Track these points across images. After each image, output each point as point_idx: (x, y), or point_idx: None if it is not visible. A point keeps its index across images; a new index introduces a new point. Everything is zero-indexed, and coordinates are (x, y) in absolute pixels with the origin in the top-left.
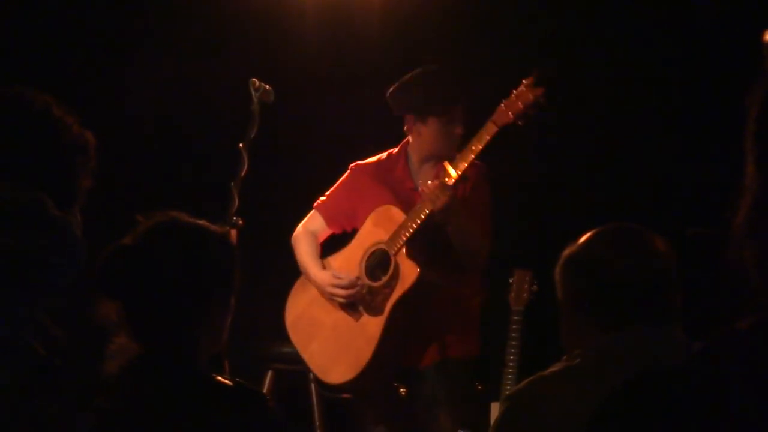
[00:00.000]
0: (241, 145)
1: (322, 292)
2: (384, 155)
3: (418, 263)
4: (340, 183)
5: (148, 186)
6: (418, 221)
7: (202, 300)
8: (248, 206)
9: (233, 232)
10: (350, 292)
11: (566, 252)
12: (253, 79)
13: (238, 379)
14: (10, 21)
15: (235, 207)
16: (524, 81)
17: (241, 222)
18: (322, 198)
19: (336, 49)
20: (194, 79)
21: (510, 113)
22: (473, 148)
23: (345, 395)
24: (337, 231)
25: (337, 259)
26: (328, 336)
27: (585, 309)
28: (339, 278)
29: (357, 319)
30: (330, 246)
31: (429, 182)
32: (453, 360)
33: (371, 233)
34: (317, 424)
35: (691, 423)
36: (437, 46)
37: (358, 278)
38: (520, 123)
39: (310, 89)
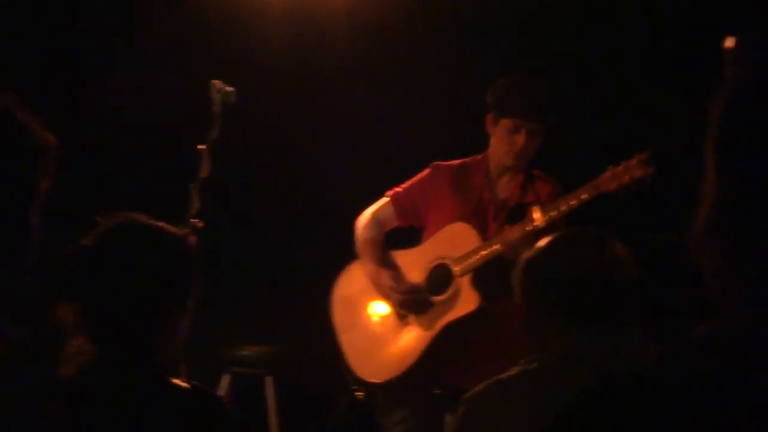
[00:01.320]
0: (201, 147)
1: (378, 289)
2: (469, 159)
3: (480, 293)
4: (417, 179)
5: (108, 187)
6: (491, 256)
7: (159, 302)
8: (208, 208)
9: (193, 235)
10: (407, 297)
11: (525, 256)
12: (215, 80)
13: (194, 382)
14: None
15: (195, 209)
16: (638, 156)
17: (200, 224)
18: (397, 189)
19: (300, 50)
20: (155, 81)
21: (614, 183)
22: (570, 203)
23: (371, 390)
24: (405, 225)
25: (402, 258)
26: (369, 329)
27: (543, 313)
28: (399, 282)
29: (404, 325)
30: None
31: (511, 228)
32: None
33: (441, 246)
34: (273, 427)
35: (649, 428)
36: (403, 46)
37: (416, 286)
38: (620, 196)
39: (272, 91)
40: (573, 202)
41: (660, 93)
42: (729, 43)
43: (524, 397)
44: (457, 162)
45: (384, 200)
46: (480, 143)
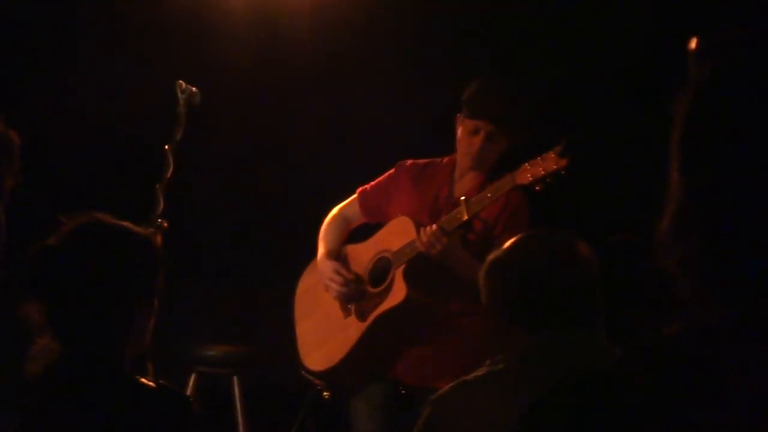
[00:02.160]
0: (166, 147)
1: (322, 279)
2: (438, 159)
3: (411, 284)
4: (384, 176)
5: (73, 187)
6: (416, 251)
7: (125, 302)
8: (173, 208)
9: (157, 234)
10: (342, 290)
11: (491, 256)
12: (180, 81)
13: (161, 381)
14: None
15: (160, 209)
16: (554, 148)
17: (165, 224)
18: (365, 186)
19: (264, 51)
20: (120, 81)
21: (529, 175)
22: (488, 195)
23: (317, 381)
24: (372, 221)
25: (352, 251)
26: (320, 320)
27: (508, 313)
28: (339, 273)
29: (345, 316)
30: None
31: (429, 228)
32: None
33: (385, 239)
34: (240, 427)
35: (614, 428)
36: (366, 48)
37: (354, 279)
38: (537, 188)
39: (237, 91)
40: (492, 196)
41: (624, 96)
42: (693, 43)
43: (491, 398)
44: (425, 160)
45: (353, 197)
46: (447, 139)
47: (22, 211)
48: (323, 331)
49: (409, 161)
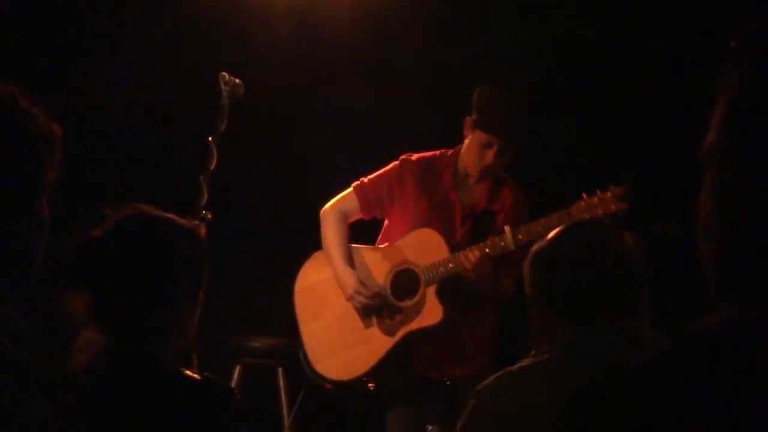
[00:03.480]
0: (210, 138)
1: (342, 289)
2: (438, 153)
3: (445, 305)
4: (384, 172)
5: (117, 179)
6: (456, 271)
7: (169, 294)
8: (217, 200)
9: (202, 226)
10: (368, 303)
11: (535, 247)
12: (223, 72)
13: (206, 373)
14: None
15: (204, 201)
16: (614, 189)
17: (209, 216)
18: (363, 180)
19: (306, 44)
20: (164, 73)
21: (587, 214)
22: (539, 229)
23: (327, 385)
24: (368, 217)
25: (368, 255)
26: (332, 324)
27: (553, 304)
28: (363, 286)
29: (366, 326)
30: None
31: (472, 254)
32: (461, 379)
33: (409, 250)
34: (285, 418)
35: (659, 419)
36: (407, 42)
37: (379, 293)
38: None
39: (279, 83)
40: (543, 230)
41: (665, 89)
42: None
43: (536, 388)
44: (426, 155)
45: (348, 191)
46: None
47: (67, 204)
48: (338, 338)
49: (414, 156)
